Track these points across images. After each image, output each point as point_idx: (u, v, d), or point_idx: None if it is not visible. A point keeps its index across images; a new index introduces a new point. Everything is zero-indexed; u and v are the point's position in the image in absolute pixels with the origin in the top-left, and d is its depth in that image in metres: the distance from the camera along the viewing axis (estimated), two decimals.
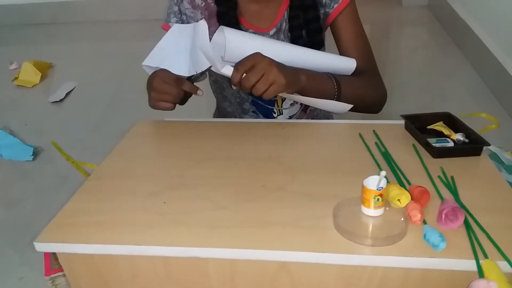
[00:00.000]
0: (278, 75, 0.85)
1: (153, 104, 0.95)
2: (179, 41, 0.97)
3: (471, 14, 2.72)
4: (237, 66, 0.85)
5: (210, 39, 0.90)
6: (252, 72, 0.84)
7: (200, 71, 0.92)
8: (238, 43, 0.93)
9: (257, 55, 0.86)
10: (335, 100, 0.97)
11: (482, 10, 2.58)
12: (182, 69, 0.95)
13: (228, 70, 0.87)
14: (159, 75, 0.93)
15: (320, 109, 1.21)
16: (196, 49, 0.92)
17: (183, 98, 0.95)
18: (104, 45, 3.39)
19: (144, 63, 0.99)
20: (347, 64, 1.02)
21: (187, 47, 0.96)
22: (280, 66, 0.86)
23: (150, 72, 1.00)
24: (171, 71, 0.94)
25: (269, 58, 0.86)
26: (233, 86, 0.88)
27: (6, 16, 3.84)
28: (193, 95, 0.95)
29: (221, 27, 0.95)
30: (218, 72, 0.89)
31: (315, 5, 1.03)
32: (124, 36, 3.51)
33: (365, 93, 1.04)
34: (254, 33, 1.04)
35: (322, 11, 1.05)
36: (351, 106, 0.97)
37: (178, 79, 0.92)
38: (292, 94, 0.92)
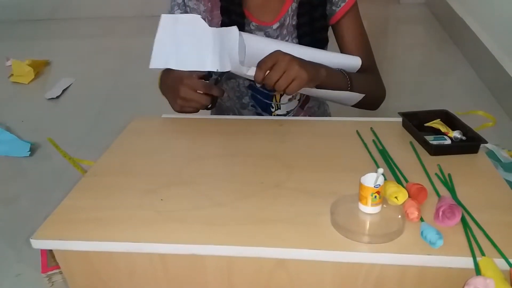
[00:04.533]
0: (300, 70, 0.86)
1: (179, 111, 0.96)
2: (177, 32, 0.95)
3: (468, 12, 2.72)
4: (259, 65, 0.87)
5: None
6: (274, 70, 0.86)
7: (221, 71, 0.92)
8: (256, 48, 0.92)
9: (278, 53, 0.87)
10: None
11: (479, 8, 2.58)
12: (191, 64, 0.94)
13: (252, 72, 0.89)
14: (186, 83, 0.91)
15: (318, 107, 1.21)
16: (224, 49, 0.91)
17: (212, 103, 0.96)
18: (101, 42, 3.38)
19: (151, 66, 0.97)
20: (353, 62, 1.04)
21: (189, 39, 0.94)
22: (301, 62, 0.87)
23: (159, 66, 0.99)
24: (180, 68, 0.93)
25: (289, 54, 0.87)
26: (257, 84, 0.90)
27: (3, 12, 3.82)
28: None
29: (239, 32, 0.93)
30: (240, 74, 0.91)
31: (324, 3, 1.04)
32: (121, 33, 3.50)
33: (371, 89, 1.06)
34: (257, 26, 1.05)
35: (328, 9, 1.05)
36: (362, 95, 0.99)
37: (206, 85, 0.92)
38: (312, 88, 0.93)
